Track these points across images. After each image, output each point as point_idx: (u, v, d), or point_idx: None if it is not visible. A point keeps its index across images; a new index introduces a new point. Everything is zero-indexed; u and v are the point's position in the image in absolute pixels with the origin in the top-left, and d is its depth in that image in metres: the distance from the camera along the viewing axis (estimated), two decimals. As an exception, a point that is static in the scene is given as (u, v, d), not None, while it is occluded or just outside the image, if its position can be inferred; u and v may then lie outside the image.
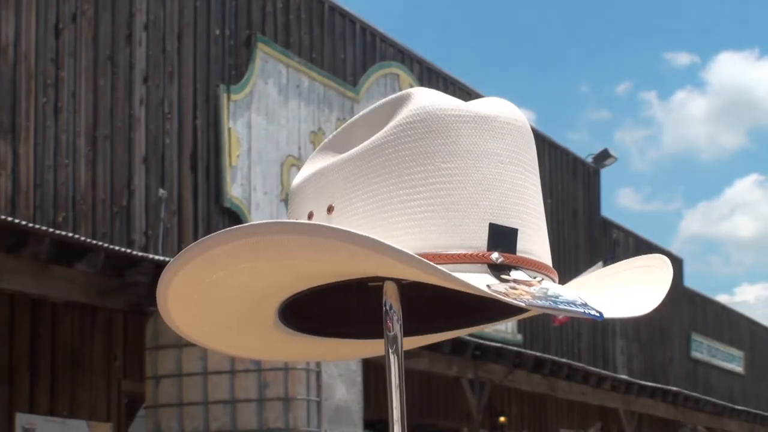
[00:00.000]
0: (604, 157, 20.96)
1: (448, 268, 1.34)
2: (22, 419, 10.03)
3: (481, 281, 1.33)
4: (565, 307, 1.32)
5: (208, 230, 11.91)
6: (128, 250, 9.88)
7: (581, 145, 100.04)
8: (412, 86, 15.00)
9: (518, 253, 1.39)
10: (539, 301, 1.31)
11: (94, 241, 9.58)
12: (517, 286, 1.34)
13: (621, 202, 65.24)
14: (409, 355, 13.96)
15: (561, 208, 19.27)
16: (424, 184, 1.39)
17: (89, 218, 10.43)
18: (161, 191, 11.25)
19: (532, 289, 1.34)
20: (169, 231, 11.32)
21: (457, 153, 1.40)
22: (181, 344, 9.68)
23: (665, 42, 79.66)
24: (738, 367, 27.55)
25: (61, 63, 10.33)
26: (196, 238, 11.75)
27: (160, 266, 9.86)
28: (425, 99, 1.43)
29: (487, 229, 1.38)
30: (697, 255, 77.11)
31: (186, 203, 11.64)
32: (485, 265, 1.37)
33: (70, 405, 10.55)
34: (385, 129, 1.43)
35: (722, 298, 35.20)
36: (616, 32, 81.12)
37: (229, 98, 12.27)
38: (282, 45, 13.12)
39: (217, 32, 12.24)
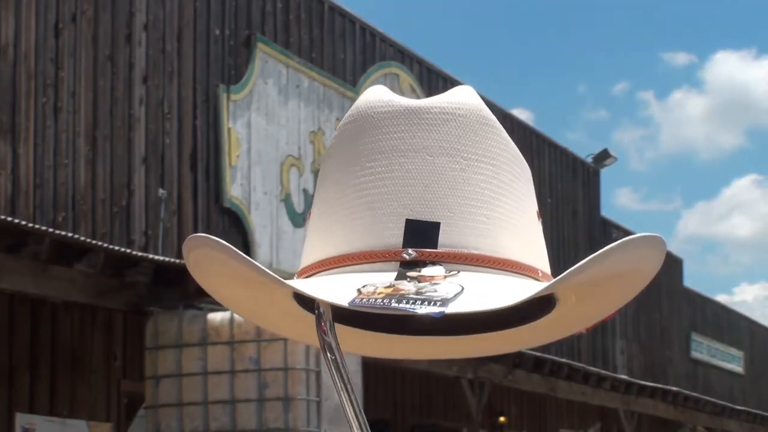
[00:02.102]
0: (603, 157, 20.97)
1: (361, 268, 1.34)
2: (21, 419, 10.03)
3: (357, 282, 1.31)
4: (400, 305, 1.27)
5: (208, 230, 11.91)
6: (128, 250, 9.88)
7: (579, 145, 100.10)
8: (411, 86, 15.02)
9: (440, 247, 1.35)
10: (378, 301, 1.27)
11: (94, 241, 9.58)
12: (398, 284, 1.31)
13: (619, 201, 65.26)
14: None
15: (561, 208, 19.27)
16: (350, 186, 1.39)
17: (89, 218, 10.44)
18: (161, 191, 11.25)
19: (415, 286, 1.30)
20: (168, 231, 11.32)
21: (382, 150, 1.38)
22: (181, 344, 9.68)
23: (662, 41, 79.67)
24: (738, 367, 27.56)
25: (61, 63, 10.33)
26: (195, 238, 11.75)
27: (159, 266, 9.87)
28: (362, 98, 1.43)
29: (404, 225, 1.35)
30: (695, 255, 77.14)
31: (186, 203, 11.64)
32: (397, 263, 1.34)
33: (69, 405, 10.55)
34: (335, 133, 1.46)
35: (721, 298, 35.21)
36: (613, 32, 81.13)
37: (228, 98, 12.27)
38: (282, 45, 13.12)
39: (217, 32, 12.24)
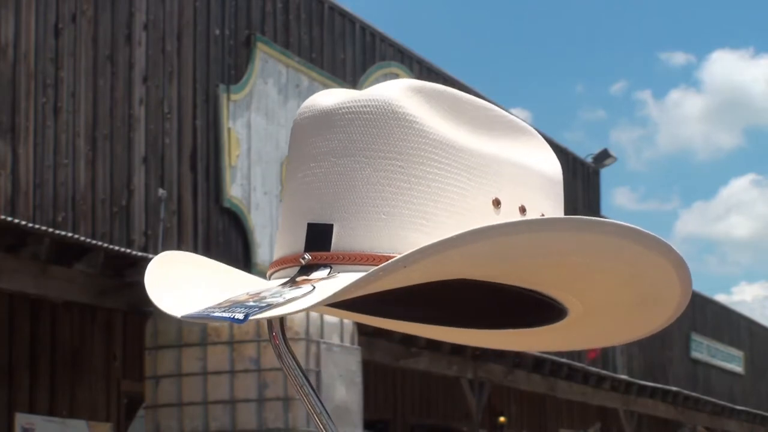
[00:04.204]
0: (603, 157, 20.98)
1: (279, 275, 1.37)
2: (21, 419, 10.03)
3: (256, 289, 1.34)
4: (220, 314, 1.28)
5: (208, 230, 11.92)
6: (128, 250, 9.88)
7: (577, 144, 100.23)
8: (411, 86, 15.02)
9: (334, 249, 1.35)
10: (208, 311, 1.30)
11: (94, 241, 9.58)
12: (264, 290, 1.33)
13: (617, 201, 65.36)
14: (409, 355, 13.76)
15: (561, 208, 19.26)
16: (288, 195, 1.42)
17: (89, 218, 10.44)
18: (161, 191, 11.25)
19: (271, 291, 1.32)
20: (168, 231, 11.32)
21: (301, 157, 1.41)
22: (181, 344, 9.68)
23: (660, 41, 79.76)
24: (738, 367, 27.55)
25: (61, 63, 10.33)
26: (195, 238, 11.77)
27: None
28: (301, 107, 1.45)
29: (305, 229, 1.38)
30: (693, 255, 77.15)
31: (185, 203, 11.64)
32: (297, 268, 1.36)
33: (69, 405, 10.55)
34: None
35: (719, 298, 35.22)
36: (611, 32, 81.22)
37: (228, 98, 12.27)
38: (282, 45, 13.12)
39: (217, 32, 12.24)
